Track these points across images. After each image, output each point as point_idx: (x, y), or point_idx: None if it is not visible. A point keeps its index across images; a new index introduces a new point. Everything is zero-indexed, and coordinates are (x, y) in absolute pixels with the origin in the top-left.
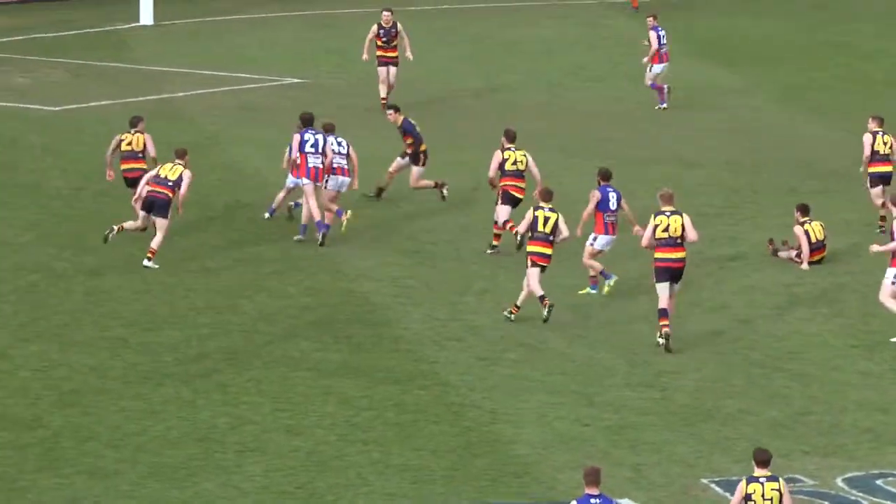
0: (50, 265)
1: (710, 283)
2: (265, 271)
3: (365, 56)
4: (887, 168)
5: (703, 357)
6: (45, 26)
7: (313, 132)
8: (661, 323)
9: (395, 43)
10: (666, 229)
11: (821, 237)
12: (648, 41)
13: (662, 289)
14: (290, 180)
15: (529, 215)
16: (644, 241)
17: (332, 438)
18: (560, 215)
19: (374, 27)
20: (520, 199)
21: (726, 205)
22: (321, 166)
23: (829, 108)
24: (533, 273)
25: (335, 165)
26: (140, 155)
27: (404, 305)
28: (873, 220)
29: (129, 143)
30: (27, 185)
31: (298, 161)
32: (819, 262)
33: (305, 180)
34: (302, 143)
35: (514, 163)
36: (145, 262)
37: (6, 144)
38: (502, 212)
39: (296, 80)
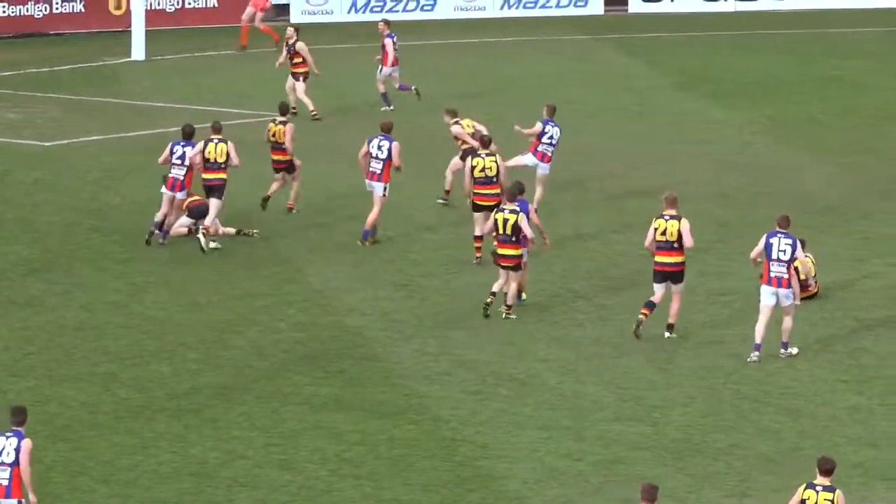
0: (42, 300)
1: (701, 318)
2: (256, 305)
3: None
4: None
5: (694, 392)
6: (38, 61)
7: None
8: (643, 311)
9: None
10: (664, 233)
11: (811, 273)
12: (383, 49)
13: (658, 287)
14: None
15: (492, 218)
16: (646, 243)
17: (323, 473)
18: (521, 216)
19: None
20: (484, 207)
21: (717, 239)
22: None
23: (821, 142)
24: (502, 274)
25: (370, 170)
26: (222, 165)
27: (395, 340)
28: (864, 255)
29: (211, 153)
30: (19, 220)
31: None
32: (810, 298)
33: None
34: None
35: (483, 170)
36: (201, 238)
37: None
38: (477, 221)
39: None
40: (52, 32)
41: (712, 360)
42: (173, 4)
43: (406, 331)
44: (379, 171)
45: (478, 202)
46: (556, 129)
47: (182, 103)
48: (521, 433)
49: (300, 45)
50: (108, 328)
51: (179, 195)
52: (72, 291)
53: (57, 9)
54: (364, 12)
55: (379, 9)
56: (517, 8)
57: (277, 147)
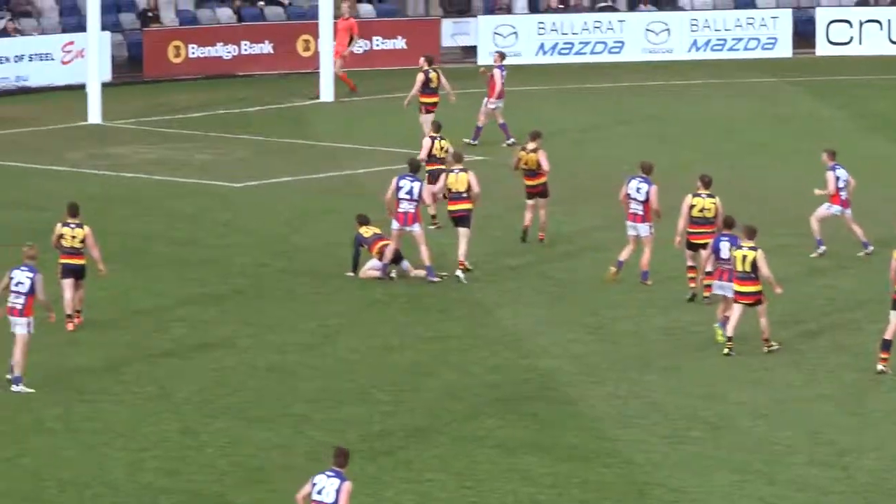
0: (234, 341)
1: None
2: (449, 347)
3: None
4: None
5: (887, 436)
6: (227, 102)
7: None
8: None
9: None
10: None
11: None
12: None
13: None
14: None
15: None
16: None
17: None
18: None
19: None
20: (696, 245)
21: None
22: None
23: None
24: (736, 310)
25: (632, 212)
26: (465, 195)
27: (587, 383)
28: None
29: (454, 183)
30: (210, 261)
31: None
32: None
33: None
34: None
35: (702, 210)
36: (459, 273)
37: (189, 220)
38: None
39: (476, 158)
40: (240, 74)
41: None
42: (361, 46)
43: (598, 374)
44: (641, 213)
45: (691, 241)
46: (843, 171)
47: (370, 144)
48: (714, 477)
49: (420, 76)
50: (300, 370)
51: (414, 228)
52: (263, 333)
53: (245, 50)
54: (552, 54)
55: (567, 51)
56: (705, 50)
57: (531, 173)
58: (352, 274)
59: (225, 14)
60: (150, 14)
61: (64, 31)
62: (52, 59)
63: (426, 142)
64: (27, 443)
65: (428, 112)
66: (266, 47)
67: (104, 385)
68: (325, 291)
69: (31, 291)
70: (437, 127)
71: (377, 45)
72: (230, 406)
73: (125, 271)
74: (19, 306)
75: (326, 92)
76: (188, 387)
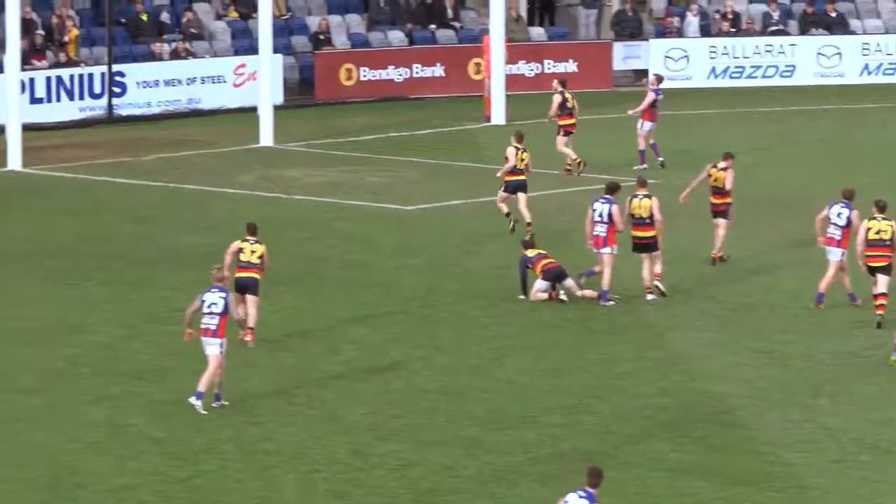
0: (404, 364)
1: None
2: (618, 371)
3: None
4: None
5: None
6: (398, 125)
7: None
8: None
9: None
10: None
11: None
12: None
13: None
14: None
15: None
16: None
17: None
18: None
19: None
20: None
21: None
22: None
23: None
24: None
25: (829, 236)
26: (647, 221)
27: (758, 406)
28: None
29: (636, 209)
30: (381, 284)
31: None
32: None
33: None
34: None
35: (878, 232)
36: (658, 284)
37: (362, 243)
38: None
39: (653, 181)
40: (411, 97)
41: None
42: (532, 69)
43: (769, 398)
44: (838, 238)
45: (868, 264)
46: None
47: (540, 167)
48: (885, 502)
49: (557, 98)
50: (470, 392)
51: (604, 251)
52: (433, 355)
53: (417, 73)
54: (723, 78)
55: (738, 74)
56: (876, 74)
57: (718, 192)
58: (523, 297)
59: (396, 37)
60: (321, 37)
61: (236, 53)
62: (225, 82)
63: (510, 151)
64: (200, 464)
65: (566, 134)
66: (437, 70)
67: (275, 407)
68: (496, 314)
69: (225, 312)
70: (519, 137)
71: (548, 69)
72: (400, 428)
73: (297, 293)
74: (213, 327)
75: (498, 114)
76: (358, 409)
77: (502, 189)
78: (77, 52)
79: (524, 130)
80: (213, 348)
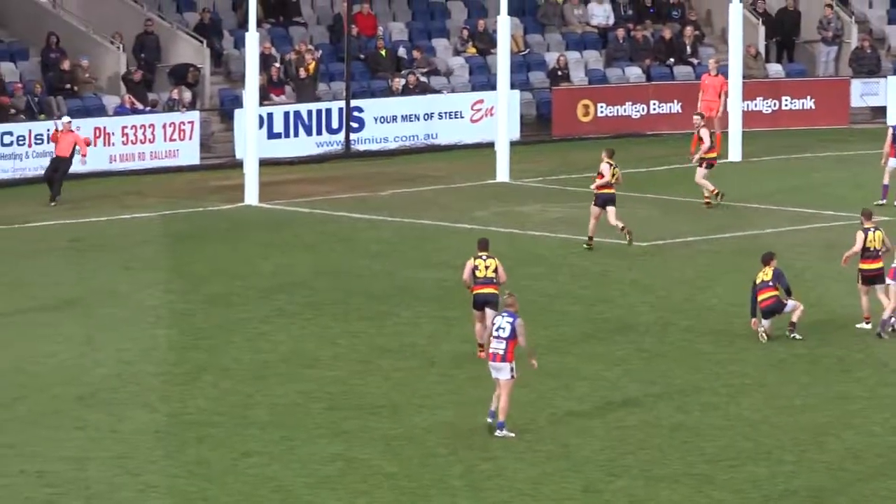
0: (638, 400)
1: None
2: (851, 409)
3: None
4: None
5: None
6: (635, 162)
7: None
8: None
9: None
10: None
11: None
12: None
13: None
14: None
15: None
16: None
17: None
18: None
19: None
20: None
21: None
22: None
23: None
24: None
25: None
26: (879, 252)
27: None
28: None
29: (871, 242)
30: (614, 320)
31: None
32: None
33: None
34: None
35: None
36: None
37: (595, 278)
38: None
39: (885, 218)
40: (649, 133)
41: None
42: (770, 106)
43: None
44: None
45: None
46: None
47: (776, 204)
48: None
49: (704, 132)
50: (703, 429)
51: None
52: (668, 392)
53: (654, 110)
54: None
55: None
56: None
57: None
58: (753, 319)
59: (634, 73)
60: (559, 73)
61: (473, 89)
62: (462, 118)
63: (604, 167)
64: (431, 500)
65: (709, 167)
66: (675, 106)
67: (507, 443)
68: (730, 351)
69: (513, 336)
70: (611, 153)
71: (785, 105)
72: (632, 465)
73: (531, 329)
74: (501, 352)
75: (735, 151)
76: (590, 445)
77: (593, 203)
78: (316, 86)
79: (613, 147)
80: (502, 373)
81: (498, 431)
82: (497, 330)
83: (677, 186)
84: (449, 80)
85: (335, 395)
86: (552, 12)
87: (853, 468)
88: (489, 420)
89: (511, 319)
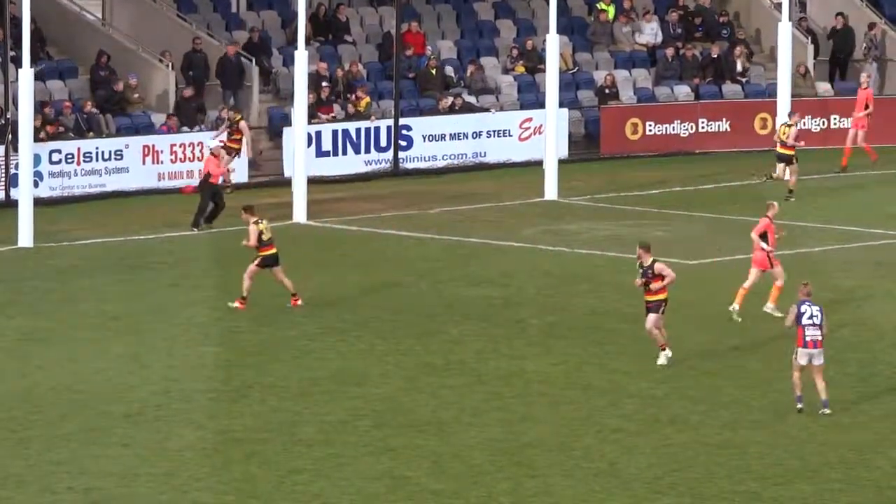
0: (685, 418)
1: None
2: None
3: None
4: None
5: None
6: (684, 180)
7: None
8: None
9: None
10: None
11: None
12: None
13: None
14: None
15: None
16: None
17: None
18: None
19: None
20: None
21: None
22: None
23: None
24: None
25: None
26: None
27: None
28: None
29: None
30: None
31: None
32: None
33: None
34: None
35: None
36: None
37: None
38: None
39: None
40: (697, 151)
41: None
42: (819, 125)
43: None
44: None
45: None
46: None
47: (824, 222)
48: None
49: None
50: (750, 446)
51: None
52: (715, 410)
53: (703, 128)
54: None
55: None
56: None
57: None
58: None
59: (682, 91)
60: (607, 91)
61: (522, 107)
62: (510, 136)
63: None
64: None
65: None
66: (723, 125)
67: (554, 460)
68: (777, 368)
69: (823, 322)
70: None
71: (834, 124)
72: (679, 482)
73: (580, 346)
74: (820, 338)
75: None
76: (637, 462)
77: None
78: (367, 106)
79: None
80: (817, 358)
81: (825, 409)
82: (811, 318)
83: (725, 205)
84: (497, 99)
85: (382, 412)
86: (601, 31)
87: None
88: (799, 406)
89: (818, 307)
